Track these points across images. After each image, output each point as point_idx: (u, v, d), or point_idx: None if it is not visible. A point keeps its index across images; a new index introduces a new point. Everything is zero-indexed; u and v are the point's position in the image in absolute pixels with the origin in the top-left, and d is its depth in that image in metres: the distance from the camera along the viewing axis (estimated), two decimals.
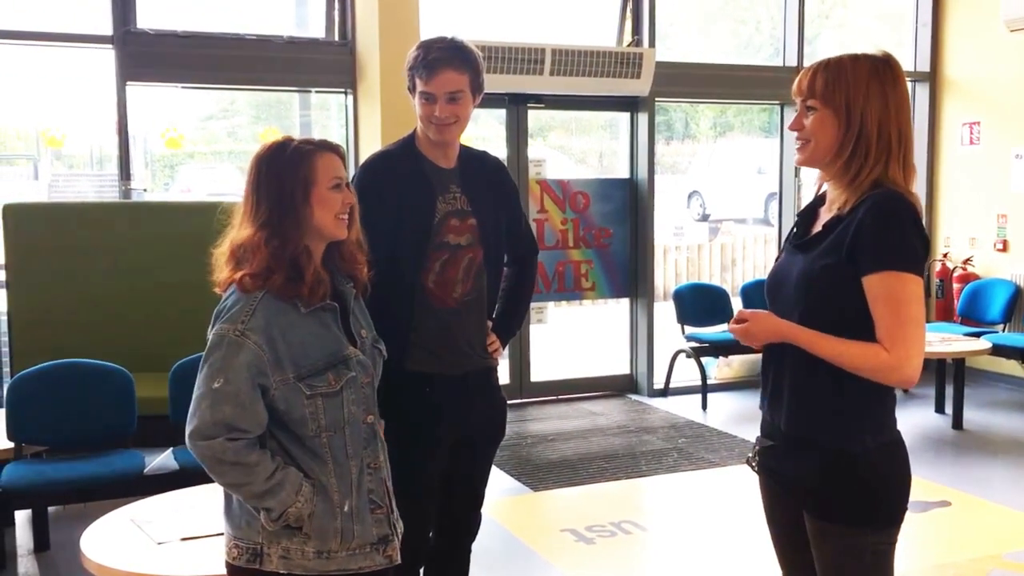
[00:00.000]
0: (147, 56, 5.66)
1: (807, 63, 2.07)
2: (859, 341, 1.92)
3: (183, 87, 6.16)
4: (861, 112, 1.95)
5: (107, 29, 5.61)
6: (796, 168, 7.13)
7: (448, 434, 2.54)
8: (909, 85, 7.78)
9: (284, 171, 1.99)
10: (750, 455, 2.18)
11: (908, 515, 2.05)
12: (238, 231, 2.01)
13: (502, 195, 2.83)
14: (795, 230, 2.16)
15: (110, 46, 5.62)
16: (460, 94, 2.61)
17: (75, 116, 6.87)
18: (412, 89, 2.65)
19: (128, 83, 5.65)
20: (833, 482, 1.99)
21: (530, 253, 3.00)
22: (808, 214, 2.14)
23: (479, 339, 2.75)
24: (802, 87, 2.02)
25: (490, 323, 2.81)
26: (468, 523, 2.86)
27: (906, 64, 7.82)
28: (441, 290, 2.65)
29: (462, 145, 2.76)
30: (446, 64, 2.58)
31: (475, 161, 2.79)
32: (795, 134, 2.06)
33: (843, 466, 1.98)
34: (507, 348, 6.68)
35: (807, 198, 2.22)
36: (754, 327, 2.04)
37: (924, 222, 1.99)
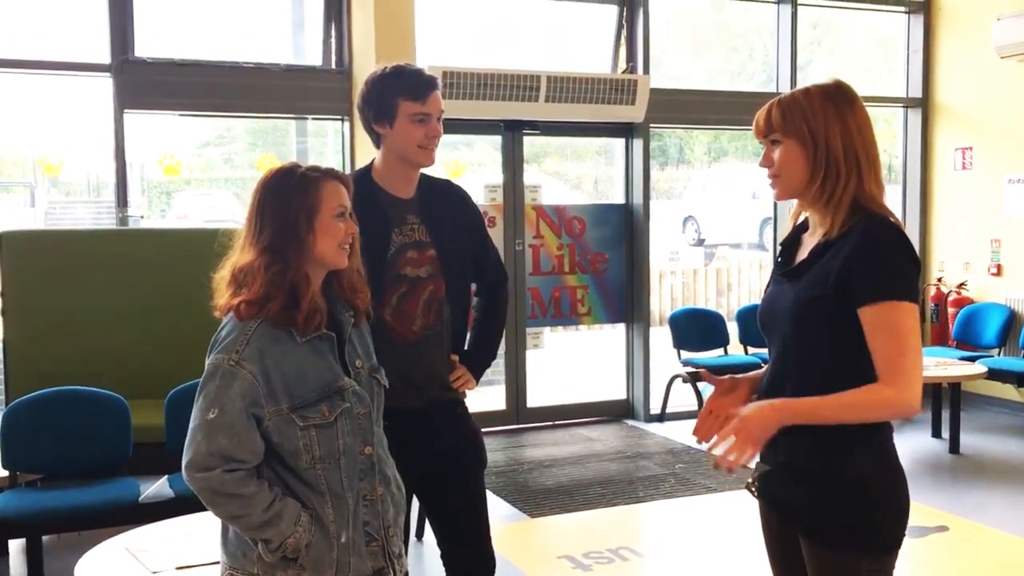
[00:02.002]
0: (145, 84, 5.69)
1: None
2: (855, 389, 1.91)
3: (180, 115, 6.19)
4: (824, 134, 1.98)
5: (105, 58, 5.65)
6: None
7: (410, 469, 2.36)
8: (901, 111, 7.89)
9: (289, 197, 1.99)
10: (749, 480, 2.18)
11: (905, 540, 2.04)
12: (240, 255, 2.01)
13: (466, 224, 2.79)
14: (780, 259, 2.17)
15: (108, 74, 5.65)
16: (442, 115, 2.66)
17: (72, 144, 6.90)
18: (389, 115, 2.60)
19: (126, 111, 5.68)
20: (831, 508, 1.99)
21: (500, 280, 2.93)
22: (792, 242, 2.16)
23: (441, 372, 2.71)
24: (760, 125, 2.06)
25: (456, 357, 2.76)
26: (476, 560, 2.75)
27: (898, 90, 7.90)
28: (399, 323, 2.61)
29: (423, 174, 2.74)
30: (436, 86, 2.64)
31: (436, 191, 2.76)
32: (769, 171, 2.07)
33: (841, 492, 1.98)
34: (503, 373, 6.77)
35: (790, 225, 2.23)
36: (751, 432, 1.95)
37: (916, 246, 2.01)
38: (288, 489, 1.97)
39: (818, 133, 1.98)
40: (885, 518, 2.00)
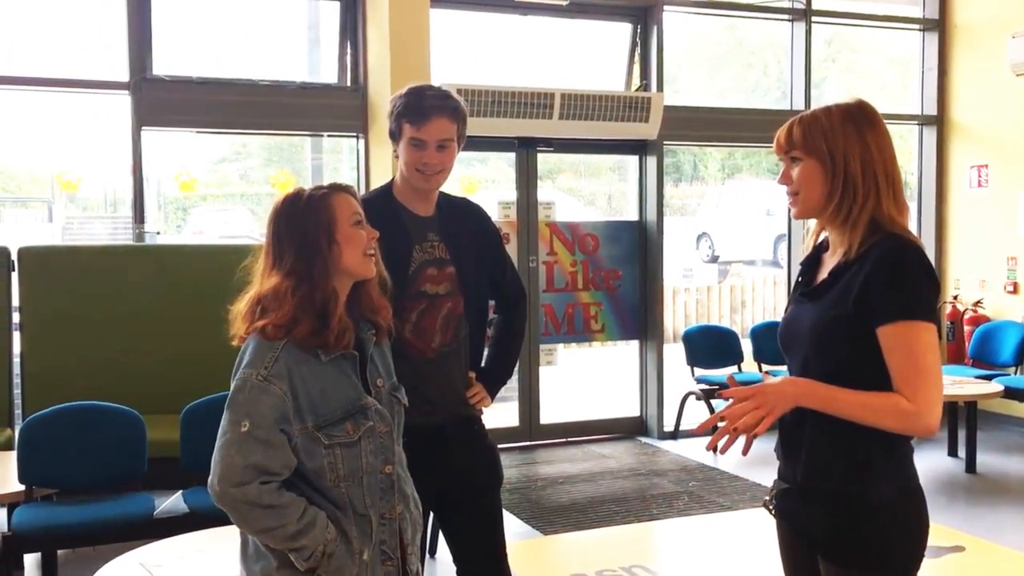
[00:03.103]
0: (162, 102, 5.75)
1: (814, 107, 2.11)
2: (879, 392, 1.91)
3: (197, 132, 6.25)
4: (843, 154, 1.98)
5: (124, 76, 5.71)
6: None
7: (427, 485, 2.38)
8: (916, 128, 7.88)
9: (304, 219, 2.01)
10: (767, 498, 2.18)
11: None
12: (262, 283, 2.01)
13: (484, 242, 2.81)
14: (800, 279, 2.17)
15: (126, 92, 5.71)
16: (449, 143, 2.63)
17: (90, 160, 6.96)
18: (396, 135, 2.65)
19: (143, 128, 5.74)
20: (849, 529, 1.98)
21: (518, 298, 2.94)
22: (812, 261, 2.15)
23: (458, 389, 2.73)
24: (781, 143, 2.06)
25: (473, 374, 2.77)
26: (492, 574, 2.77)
27: (913, 108, 7.89)
28: (419, 340, 2.62)
29: (441, 192, 2.75)
30: (439, 112, 2.60)
31: (454, 209, 2.78)
32: (787, 188, 2.08)
33: (860, 514, 1.97)
34: (516, 390, 6.76)
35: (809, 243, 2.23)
36: (768, 398, 1.95)
37: (933, 264, 2.00)
38: (313, 505, 1.97)
39: (837, 152, 1.99)
40: (905, 539, 1.98)
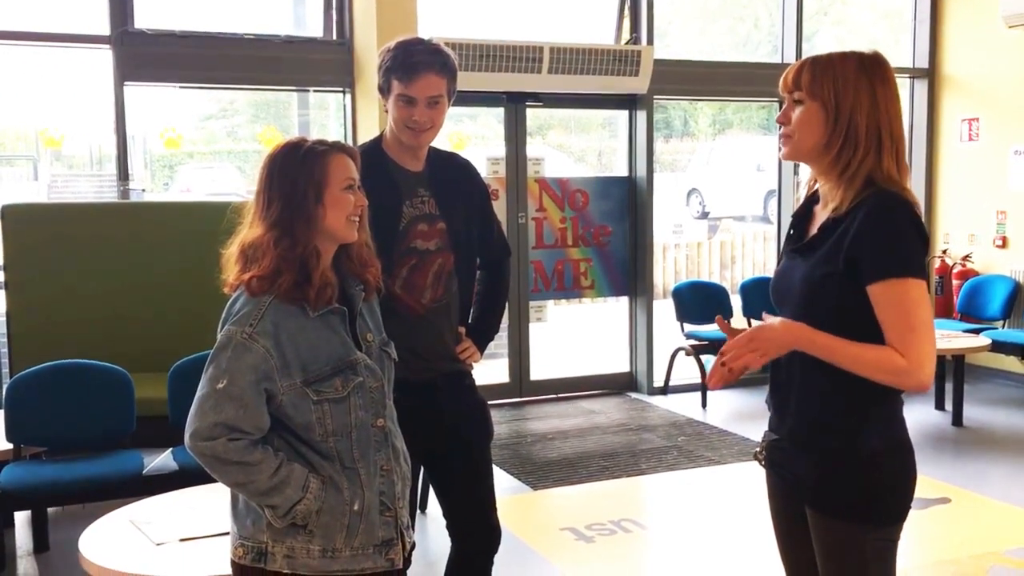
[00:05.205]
0: (145, 56, 5.66)
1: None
2: (874, 345, 1.91)
3: (181, 87, 6.16)
4: (850, 106, 1.95)
5: (105, 29, 5.61)
6: (794, 165, 7.12)
7: (418, 440, 2.37)
8: (908, 81, 7.83)
9: (297, 171, 1.98)
10: (757, 450, 2.18)
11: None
12: (248, 231, 2.01)
13: (472, 198, 2.79)
14: (792, 232, 2.15)
15: (107, 46, 5.61)
16: (439, 99, 2.59)
17: (74, 117, 6.88)
18: (385, 90, 2.62)
19: (126, 83, 5.65)
20: (837, 479, 1.99)
21: (503, 255, 2.95)
22: (803, 214, 2.13)
23: (449, 345, 2.72)
24: (788, 81, 2.02)
25: (463, 329, 2.78)
26: (482, 530, 2.78)
27: (904, 60, 7.83)
28: (409, 296, 2.62)
29: (431, 147, 2.73)
30: (428, 68, 2.56)
31: (444, 164, 2.75)
32: (783, 128, 2.05)
33: (849, 465, 1.98)
34: (507, 347, 6.77)
35: (803, 197, 2.20)
36: (762, 343, 1.96)
37: (923, 219, 1.98)
38: (301, 458, 1.98)
39: (844, 102, 1.95)
40: (892, 490, 1.99)
